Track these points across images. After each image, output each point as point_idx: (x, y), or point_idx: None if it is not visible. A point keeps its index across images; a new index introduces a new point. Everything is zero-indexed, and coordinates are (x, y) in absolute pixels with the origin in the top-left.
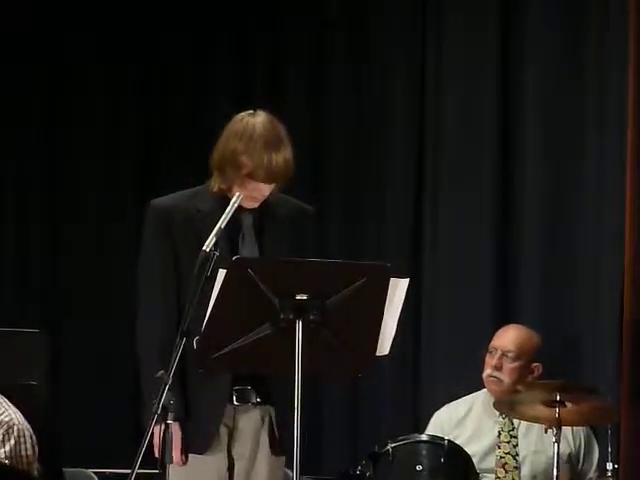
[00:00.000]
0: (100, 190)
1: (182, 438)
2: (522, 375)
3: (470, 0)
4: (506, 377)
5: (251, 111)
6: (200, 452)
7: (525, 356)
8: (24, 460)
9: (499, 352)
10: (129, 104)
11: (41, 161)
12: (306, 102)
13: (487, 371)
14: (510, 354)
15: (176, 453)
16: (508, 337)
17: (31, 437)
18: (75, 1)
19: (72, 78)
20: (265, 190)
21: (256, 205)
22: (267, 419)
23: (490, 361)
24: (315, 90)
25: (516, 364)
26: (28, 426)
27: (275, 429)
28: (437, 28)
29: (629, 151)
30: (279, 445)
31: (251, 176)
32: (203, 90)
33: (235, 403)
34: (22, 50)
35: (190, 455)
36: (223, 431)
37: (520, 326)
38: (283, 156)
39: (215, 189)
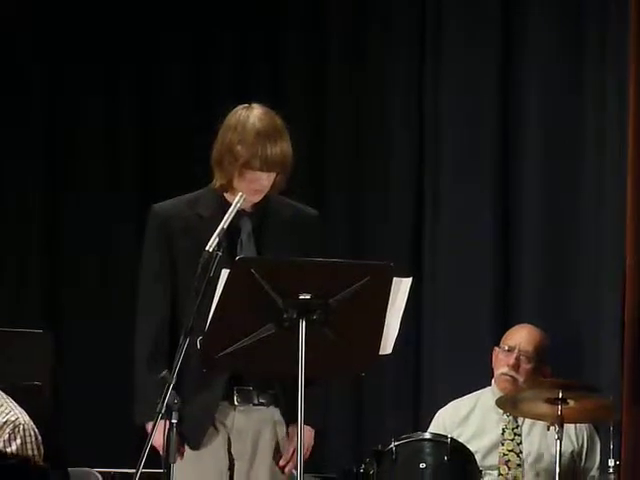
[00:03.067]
0: (102, 190)
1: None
2: (536, 376)
3: (470, 3)
4: (521, 377)
5: (246, 105)
6: (194, 448)
7: (540, 357)
8: (30, 460)
9: (516, 352)
10: (128, 104)
11: (41, 162)
12: (306, 102)
13: (502, 369)
14: (528, 355)
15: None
16: (525, 337)
17: (37, 437)
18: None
19: (72, 78)
20: (264, 180)
21: (258, 198)
22: (269, 421)
23: (506, 360)
24: (315, 91)
25: (532, 365)
26: (33, 426)
27: (278, 432)
28: (436, 31)
29: (630, 148)
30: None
31: (248, 165)
32: (205, 89)
33: (235, 403)
34: (22, 50)
35: (192, 454)
36: (222, 431)
37: (532, 326)
38: (280, 145)
39: (217, 186)
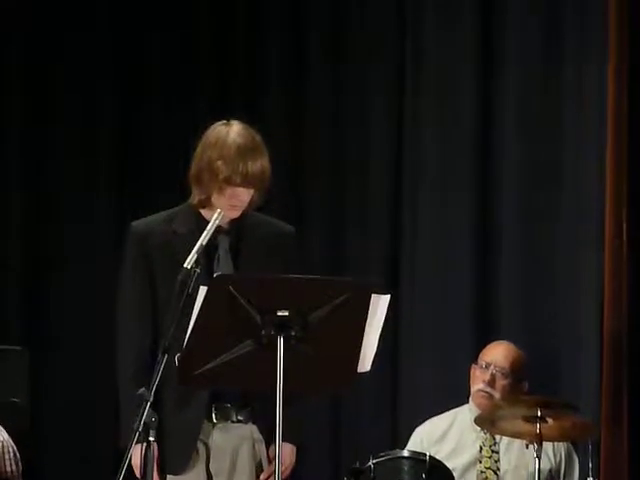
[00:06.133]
0: (81, 195)
1: (158, 458)
2: (512, 392)
3: (449, 1)
4: (498, 393)
5: (224, 121)
6: (177, 473)
7: (517, 373)
8: (8, 476)
9: (492, 368)
10: (108, 104)
11: (22, 162)
12: (285, 103)
13: (479, 386)
14: (504, 371)
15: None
16: (501, 354)
17: (15, 453)
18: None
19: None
20: (244, 195)
21: (237, 214)
22: (249, 438)
23: (482, 376)
24: (293, 91)
25: (508, 381)
26: (12, 443)
27: (257, 449)
28: (416, 28)
29: (609, 150)
30: (259, 464)
31: (228, 181)
32: (182, 90)
33: (214, 421)
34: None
35: (168, 475)
36: (201, 448)
37: (509, 343)
38: (260, 161)
39: (195, 202)
